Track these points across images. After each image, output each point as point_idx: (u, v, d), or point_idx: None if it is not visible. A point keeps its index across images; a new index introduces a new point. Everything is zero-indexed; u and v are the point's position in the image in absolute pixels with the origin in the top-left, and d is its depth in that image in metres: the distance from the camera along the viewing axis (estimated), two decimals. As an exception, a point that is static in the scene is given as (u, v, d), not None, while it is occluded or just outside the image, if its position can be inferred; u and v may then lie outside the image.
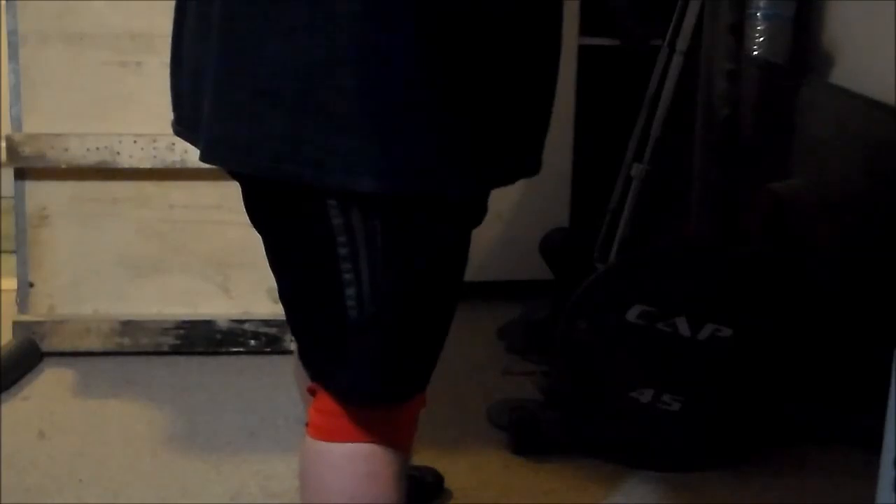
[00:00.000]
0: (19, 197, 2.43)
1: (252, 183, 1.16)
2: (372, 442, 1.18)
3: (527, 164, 1.17)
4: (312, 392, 1.23)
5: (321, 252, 1.11)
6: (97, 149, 2.38)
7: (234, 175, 1.17)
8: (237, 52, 1.06)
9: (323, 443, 1.20)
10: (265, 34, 1.04)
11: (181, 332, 2.46)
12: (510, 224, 2.67)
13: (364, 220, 1.08)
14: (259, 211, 1.19)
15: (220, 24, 1.08)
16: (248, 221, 1.24)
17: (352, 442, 1.18)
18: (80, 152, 2.38)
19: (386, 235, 1.09)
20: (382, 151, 1.03)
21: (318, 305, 1.15)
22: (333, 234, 1.09)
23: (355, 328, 1.12)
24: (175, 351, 2.46)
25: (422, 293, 1.14)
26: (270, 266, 1.21)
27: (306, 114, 1.03)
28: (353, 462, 1.18)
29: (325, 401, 1.19)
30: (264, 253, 1.23)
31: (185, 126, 1.21)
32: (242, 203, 1.21)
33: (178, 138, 1.28)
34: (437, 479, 1.91)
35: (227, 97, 1.07)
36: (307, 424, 1.23)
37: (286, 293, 1.21)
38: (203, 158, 1.13)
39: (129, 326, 2.45)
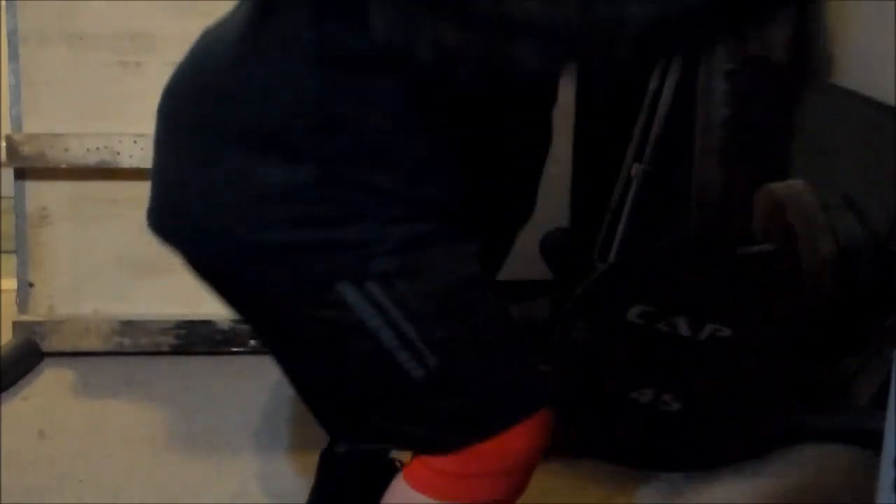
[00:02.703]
0: (19, 197, 2.43)
1: (250, 292, 1.14)
2: (472, 501, 1.14)
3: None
4: None
5: (352, 335, 1.08)
6: (97, 149, 2.38)
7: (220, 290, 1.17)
8: (227, 166, 1.07)
9: (417, 493, 1.15)
10: (252, 153, 1.06)
11: (181, 332, 2.46)
12: (510, 224, 2.66)
13: (384, 287, 1.06)
14: (265, 321, 1.17)
15: (202, 146, 1.10)
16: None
17: (442, 500, 1.14)
18: (80, 152, 2.38)
19: (415, 290, 1.07)
20: (394, 234, 1.05)
21: (374, 386, 1.12)
22: (357, 312, 1.07)
23: (426, 385, 1.09)
24: (175, 351, 2.46)
25: (472, 319, 1.12)
26: (294, 382, 1.20)
27: (317, 215, 1.05)
28: None
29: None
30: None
31: (166, 226, 1.21)
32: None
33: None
34: (438, 479, 1.91)
35: (224, 208, 1.08)
36: (405, 467, 1.19)
37: (326, 395, 1.17)
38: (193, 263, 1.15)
39: (129, 326, 2.45)
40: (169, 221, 1.17)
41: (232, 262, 1.10)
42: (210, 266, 1.14)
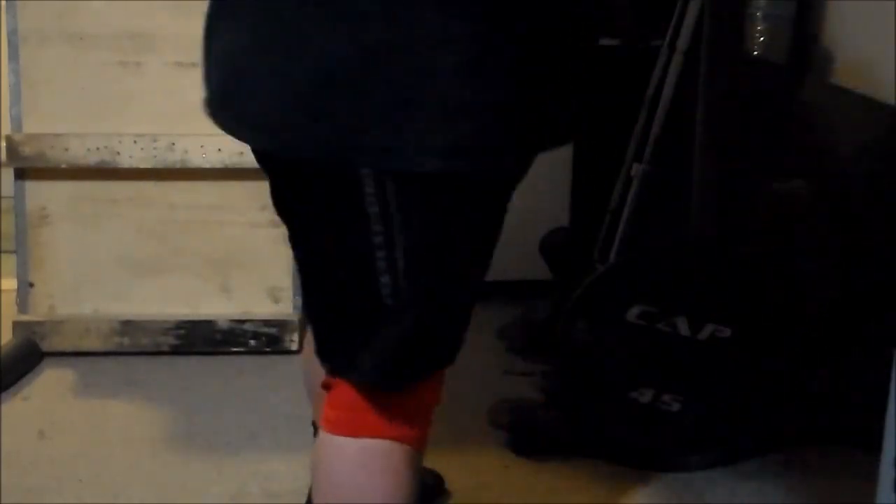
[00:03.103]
0: (19, 197, 2.43)
1: (286, 172, 1.15)
2: (388, 438, 1.18)
3: (569, 127, 1.19)
4: (326, 387, 1.23)
5: (354, 241, 1.11)
6: (97, 149, 2.38)
7: (265, 162, 1.17)
8: (290, 40, 1.06)
9: (338, 437, 1.20)
10: (322, 23, 1.04)
11: (181, 332, 2.45)
12: (510, 224, 2.65)
13: (401, 208, 1.08)
14: (289, 201, 1.19)
15: (267, 13, 1.08)
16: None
17: (368, 437, 1.18)
18: (80, 152, 2.38)
19: (423, 222, 1.10)
20: (446, 131, 1.04)
21: (349, 294, 1.15)
22: (369, 222, 1.09)
23: (390, 314, 1.13)
24: (175, 351, 2.46)
25: (454, 279, 1.15)
26: (296, 255, 1.22)
27: (366, 99, 1.03)
28: (369, 457, 1.19)
29: (343, 394, 1.19)
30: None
31: (218, 107, 1.18)
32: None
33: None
34: (437, 479, 1.91)
35: (282, 84, 1.07)
36: (322, 419, 1.23)
37: (312, 283, 1.20)
38: (253, 142, 1.13)
39: (129, 326, 2.45)
40: (237, 101, 1.13)
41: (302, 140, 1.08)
42: (280, 149, 1.12)
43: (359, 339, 1.16)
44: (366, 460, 1.19)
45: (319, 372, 1.24)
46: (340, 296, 1.16)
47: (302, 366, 1.61)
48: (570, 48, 1.14)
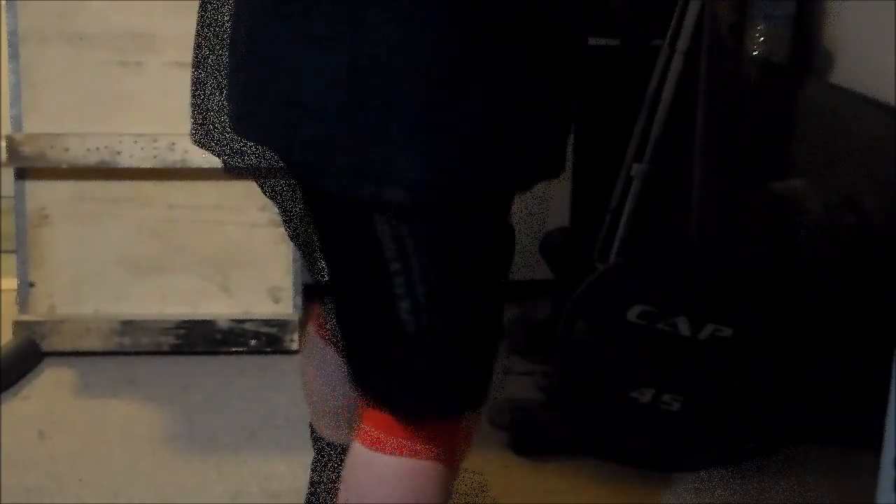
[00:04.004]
0: (19, 197, 2.43)
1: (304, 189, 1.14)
2: (424, 458, 1.16)
3: (554, 161, 1.17)
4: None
5: (370, 266, 1.09)
6: (97, 149, 2.38)
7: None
8: (265, 63, 1.05)
9: (369, 451, 1.17)
10: (294, 44, 1.03)
11: (181, 332, 2.46)
12: (510, 224, 2.66)
13: (414, 232, 1.06)
14: (308, 222, 1.18)
15: (246, 35, 1.07)
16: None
17: (399, 456, 1.16)
18: (80, 152, 2.38)
19: (438, 245, 1.08)
20: (415, 160, 1.02)
21: (372, 322, 1.13)
22: (381, 248, 1.07)
23: (413, 340, 1.11)
24: (175, 351, 2.46)
25: (476, 298, 1.13)
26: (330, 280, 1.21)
27: (338, 125, 1.02)
28: (402, 476, 1.16)
29: (378, 412, 1.17)
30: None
31: (205, 135, 1.19)
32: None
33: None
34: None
35: (255, 107, 1.06)
36: (357, 432, 1.20)
37: (341, 311, 1.19)
38: (228, 169, 1.12)
39: (129, 326, 2.45)
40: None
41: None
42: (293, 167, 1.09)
43: (388, 368, 1.14)
44: (393, 479, 1.17)
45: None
46: (364, 324, 1.14)
47: (300, 366, 1.61)
48: (553, 66, 1.12)
